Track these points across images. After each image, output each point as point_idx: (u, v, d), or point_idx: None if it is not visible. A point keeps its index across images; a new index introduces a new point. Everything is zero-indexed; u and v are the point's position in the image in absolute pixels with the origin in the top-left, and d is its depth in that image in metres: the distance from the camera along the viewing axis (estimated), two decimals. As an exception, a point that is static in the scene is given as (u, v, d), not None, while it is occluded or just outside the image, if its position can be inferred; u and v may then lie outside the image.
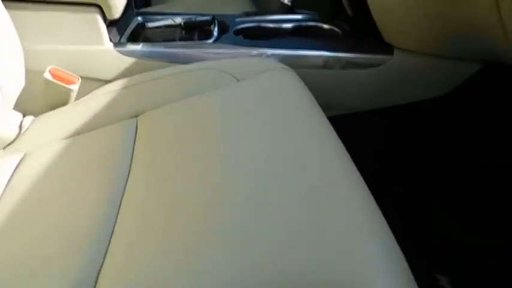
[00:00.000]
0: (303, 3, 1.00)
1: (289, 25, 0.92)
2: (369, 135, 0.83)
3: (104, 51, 0.75)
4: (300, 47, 0.81)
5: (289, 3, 0.96)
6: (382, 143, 0.85)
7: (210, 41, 0.81)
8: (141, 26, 0.91)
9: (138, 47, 0.78)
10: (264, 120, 0.56)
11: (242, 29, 0.89)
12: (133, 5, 0.98)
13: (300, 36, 0.89)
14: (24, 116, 0.71)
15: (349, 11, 0.96)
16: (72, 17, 0.71)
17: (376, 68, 0.80)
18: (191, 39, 0.84)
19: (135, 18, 0.95)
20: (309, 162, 0.47)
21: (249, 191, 0.44)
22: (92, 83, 0.75)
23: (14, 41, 0.66)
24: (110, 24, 0.78)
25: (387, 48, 0.81)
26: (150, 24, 0.91)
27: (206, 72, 0.68)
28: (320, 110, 0.59)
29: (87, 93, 0.76)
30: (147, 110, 0.63)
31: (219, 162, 0.49)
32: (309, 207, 0.40)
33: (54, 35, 0.72)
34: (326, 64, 0.80)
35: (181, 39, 0.84)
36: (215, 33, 0.84)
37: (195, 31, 0.87)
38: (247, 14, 0.97)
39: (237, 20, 0.94)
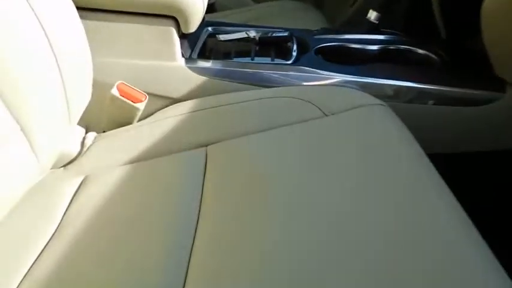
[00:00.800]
0: (390, 21, 0.89)
1: (374, 47, 0.82)
2: (474, 179, 0.71)
3: (175, 68, 0.68)
4: (390, 75, 0.71)
5: (375, 21, 0.86)
6: (487, 187, 0.73)
7: (289, 61, 0.73)
8: (212, 38, 0.85)
9: (210, 64, 0.70)
10: (358, 164, 0.47)
11: (323, 48, 0.80)
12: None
13: (388, 61, 0.78)
14: (86, 131, 0.67)
15: (443, 33, 0.84)
16: (145, 29, 0.65)
17: (483, 107, 0.68)
18: (267, 56, 0.76)
19: (206, 29, 0.89)
20: (417, 211, 0.41)
21: (343, 241, 0.38)
22: (159, 100, 0.69)
23: (85, 52, 0.61)
24: (182, 36, 0.72)
25: (498, 84, 0.69)
26: (222, 37, 0.84)
27: (288, 101, 0.59)
28: (425, 156, 0.49)
29: (153, 111, 0.70)
30: (220, 140, 0.56)
31: (305, 207, 0.42)
32: (418, 260, 0.35)
33: (124, 48, 0.66)
34: (421, 98, 0.69)
35: (256, 56, 0.76)
36: (294, 53, 0.76)
37: (271, 48, 0.79)
38: (326, 31, 0.88)
39: (316, 37, 0.85)
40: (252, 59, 0.74)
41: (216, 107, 0.63)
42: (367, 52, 0.80)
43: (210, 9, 1.44)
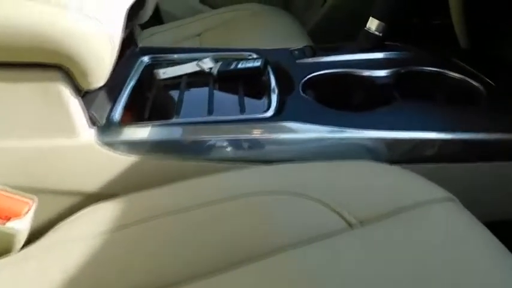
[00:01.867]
0: (396, 31, 0.66)
1: (386, 72, 0.57)
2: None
3: (78, 148, 0.40)
4: (422, 122, 0.45)
5: (379, 34, 0.62)
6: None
7: (269, 113, 0.46)
8: (149, 75, 0.58)
9: (141, 132, 0.42)
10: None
11: (312, 80, 0.56)
12: (136, 37, 0.66)
13: (410, 93, 0.54)
14: None
15: (464, 42, 0.62)
16: (18, 88, 0.37)
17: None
18: (232, 104, 0.49)
19: (140, 60, 0.62)
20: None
21: None
22: (64, 198, 0.42)
23: None
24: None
25: None
26: (163, 73, 0.57)
27: (280, 202, 0.33)
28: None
29: (56, 216, 0.43)
30: (169, 285, 0.31)
31: None
32: None
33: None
34: (473, 154, 0.46)
35: (216, 105, 0.49)
36: (273, 95, 0.49)
37: (237, 87, 0.53)
38: (311, 51, 0.63)
39: (299, 62, 0.60)
40: (210, 113, 0.48)
41: (163, 215, 0.37)
42: (377, 81, 0.55)
43: (154, 21, 1.17)
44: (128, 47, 0.62)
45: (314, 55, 0.61)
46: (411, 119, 0.47)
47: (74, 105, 0.38)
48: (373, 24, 0.62)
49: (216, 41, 1.01)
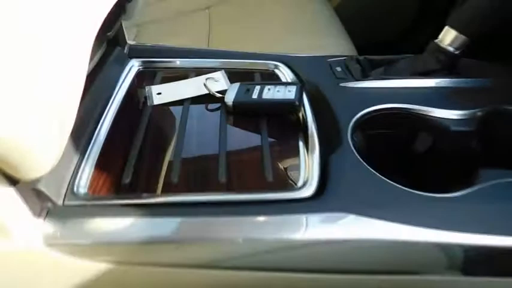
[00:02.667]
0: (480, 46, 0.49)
1: (470, 113, 0.40)
2: None
3: (16, 253, 0.26)
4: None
5: (454, 51, 0.46)
6: None
7: (307, 190, 0.30)
8: (138, 96, 0.42)
9: (118, 224, 0.27)
10: None
11: (362, 121, 0.40)
12: (124, 31, 0.49)
13: (499, 154, 0.39)
14: None
15: None
16: None
17: None
18: (251, 163, 0.35)
19: (128, 68, 0.45)
20: None
21: None
22: None
23: None
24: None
25: None
26: (157, 93, 0.42)
27: None
28: None
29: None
30: None
31: None
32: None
33: None
34: None
35: (230, 165, 0.33)
36: (314, 154, 0.34)
37: (261, 128, 0.38)
38: (361, 70, 0.46)
39: (343, 85, 0.44)
40: (219, 182, 0.31)
41: None
42: (455, 128, 0.39)
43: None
44: (114, 47, 0.46)
45: (362, 76, 0.45)
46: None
47: (3, 195, 0.23)
48: (447, 36, 0.45)
49: (228, 19, 0.83)
